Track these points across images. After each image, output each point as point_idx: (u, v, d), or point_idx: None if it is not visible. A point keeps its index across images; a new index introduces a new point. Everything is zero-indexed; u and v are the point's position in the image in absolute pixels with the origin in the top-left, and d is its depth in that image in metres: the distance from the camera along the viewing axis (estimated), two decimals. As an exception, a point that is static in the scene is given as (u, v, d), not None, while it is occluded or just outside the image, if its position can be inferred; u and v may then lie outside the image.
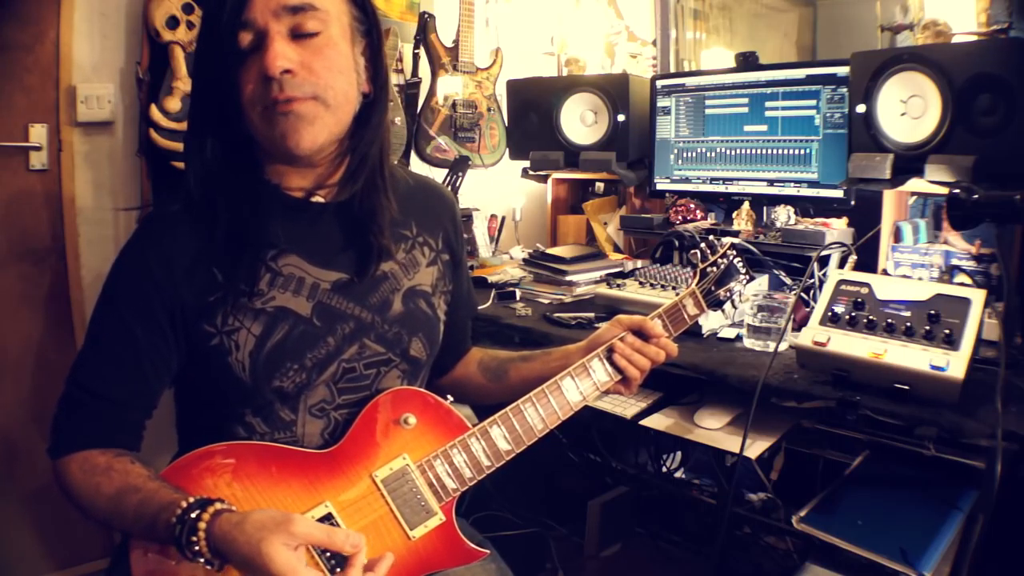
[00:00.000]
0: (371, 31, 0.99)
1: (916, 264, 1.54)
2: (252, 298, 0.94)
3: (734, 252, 1.21)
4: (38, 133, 1.87)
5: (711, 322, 1.54)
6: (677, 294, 1.56)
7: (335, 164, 0.99)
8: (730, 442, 1.31)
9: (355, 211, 1.00)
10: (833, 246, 1.64)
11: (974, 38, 1.50)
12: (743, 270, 1.21)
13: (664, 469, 1.96)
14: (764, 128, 1.86)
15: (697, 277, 1.19)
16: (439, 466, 0.99)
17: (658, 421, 1.42)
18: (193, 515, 0.79)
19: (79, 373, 0.93)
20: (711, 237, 1.24)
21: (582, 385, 1.07)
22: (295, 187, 0.98)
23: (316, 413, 0.98)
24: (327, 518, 0.92)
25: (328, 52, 0.91)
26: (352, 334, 0.99)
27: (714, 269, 1.19)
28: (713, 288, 1.19)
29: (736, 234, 1.79)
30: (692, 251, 1.24)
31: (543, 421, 1.04)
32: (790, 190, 1.83)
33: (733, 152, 1.94)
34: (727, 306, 1.22)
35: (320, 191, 1.00)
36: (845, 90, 1.67)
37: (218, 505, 0.81)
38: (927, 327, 1.17)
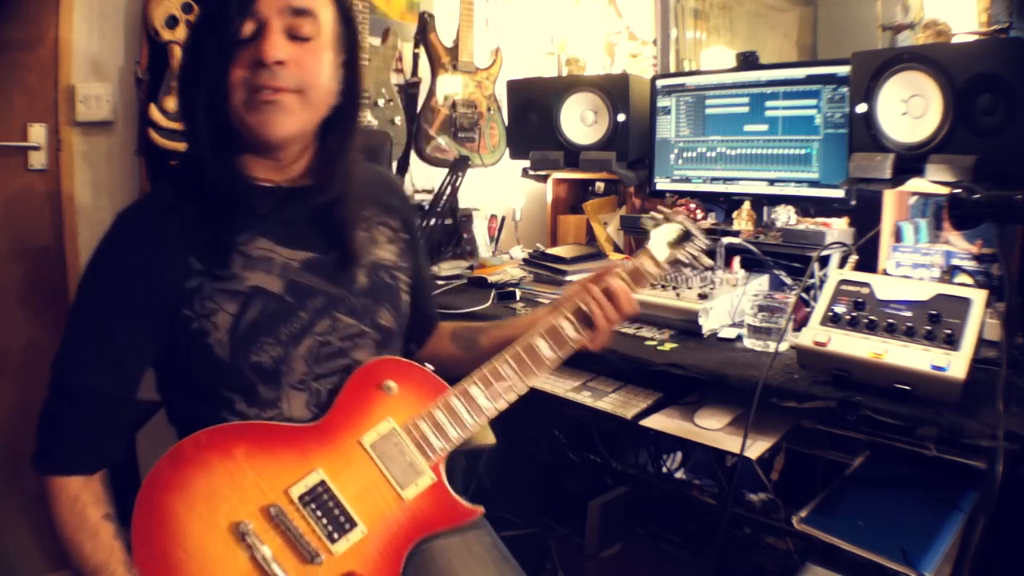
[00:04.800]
0: (352, 47, 1.07)
1: (917, 264, 1.54)
2: (227, 281, 0.98)
3: (685, 213, 1.28)
4: (37, 133, 1.87)
5: (711, 322, 1.54)
6: (678, 294, 1.57)
7: (299, 154, 1.05)
8: (730, 442, 1.31)
9: (323, 205, 1.06)
10: (833, 246, 1.64)
11: (974, 38, 1.50)
12: (697, 233, 1.25)
13: (664, 469, 1.95)
14: (764, 128, 1.86)
15: (651, 239, 1.25)
16: (424, 426, 1.03)
17: (658, 421, 1.42)
18: None
19: (60, 370, 0.97)
20: (667, 209, 1.30)
21: (551, 339, 1.11)
22: (263, 177, 1.04)
23: (298, 387, 1.02)
24: (320, 484, 0.96)
25: (318, 55, 1.00)
26: (323, 308, 1.04)
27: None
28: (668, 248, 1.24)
29: (736, 234, 1.79)
30: (648, 214, 1.30)
31: (518, 375, 1.08)
32: (790, 190, 1.82)
33: (733, 152, 1.93)
34: (689, 271, 1.35)
35: (285, 179, 1.05)
36: (845, 90, 1.67)
37: None
38: (928, 327, 1.17)
